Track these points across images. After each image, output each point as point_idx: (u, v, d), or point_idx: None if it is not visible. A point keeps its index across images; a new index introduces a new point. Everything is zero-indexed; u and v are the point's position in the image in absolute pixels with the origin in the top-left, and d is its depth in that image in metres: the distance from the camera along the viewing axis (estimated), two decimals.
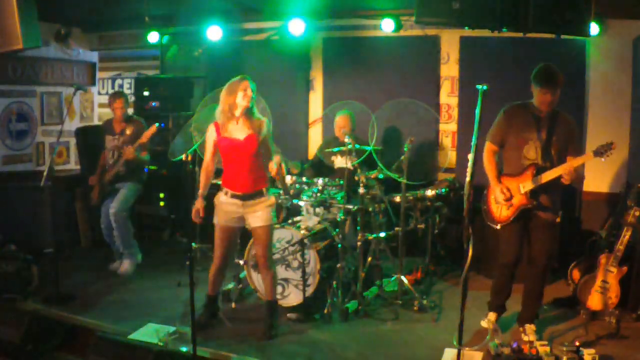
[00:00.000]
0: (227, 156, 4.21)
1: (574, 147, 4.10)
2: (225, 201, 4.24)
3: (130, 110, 7.06)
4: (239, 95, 4.09)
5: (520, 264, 4.26)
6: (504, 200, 4.09)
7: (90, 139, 6.73)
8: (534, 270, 4.20)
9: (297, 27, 6.43)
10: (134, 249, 5.64)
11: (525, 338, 4.11)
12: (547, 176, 3.97)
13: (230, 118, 4.15)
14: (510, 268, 4.25)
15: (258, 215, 4.19)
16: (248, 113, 4.14)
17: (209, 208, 4.34)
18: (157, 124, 5.37)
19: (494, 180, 4.17)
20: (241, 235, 4.49)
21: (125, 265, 5.58)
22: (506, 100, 4.28)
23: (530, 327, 4.21)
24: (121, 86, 7.93)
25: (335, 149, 5.21)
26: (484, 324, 4.32)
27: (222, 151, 4.22)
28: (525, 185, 4.05)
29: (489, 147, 4.27)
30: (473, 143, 3.38)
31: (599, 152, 3.85)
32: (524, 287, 4.28)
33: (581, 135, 5.43)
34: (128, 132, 5.48)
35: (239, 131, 4.16)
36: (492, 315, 4.34)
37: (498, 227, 4.16)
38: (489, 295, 4.46)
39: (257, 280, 4.78)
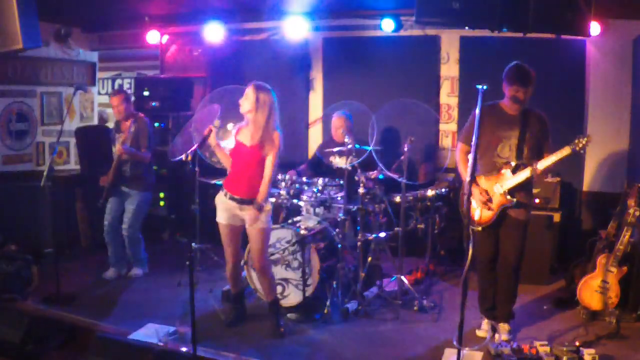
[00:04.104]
0: (233, 159, 4.28)
1: (548, 145, 4.06)
2: (224, 201, 4.28)
3: None
4: (242, 101, 4.18)
5: (497, 263, 4.21)
6: (484, 202, 4.05)
7: (90, 139, 6.73)
8: (505, 270, 4.16)
9: (297, 27, 6.43)
10: (144, 260, 5.58)
11: (497, 337, 4.11)
12: (541, 164, 3.90)
13: (246, 123, 4.23)
14: (488, 266, 4.22)
15: (252, 218, 4.21)
16: (259, 122, 4.13)
17: (214, 211, 4.38)
18: (133, 120, 5.24)
19: (470, 182, 4.09)
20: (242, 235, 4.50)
21: (135, 271, 5.55)
22: None
23: (504, 327, 4.19)
24: (121, 86, 7.93)
25: (335, 149, 5.21)
26: (479, 333, 4.30)
27: (230, 153, 4.29)
28: (504, 184, 4.01)
29: (462, 149, 4.23)
30: (473, 143, 3.39)
31: (577, 146, 3.80)
32: (497, 287, 4.24)
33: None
34: (132, 129, 5.33)
35: (247, 138, 4.21)
36: (485, 324, 4.32)
37: (479, 229, 4.06)
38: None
39: (257, 280, 4.77)
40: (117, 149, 5.24)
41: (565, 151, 3.84)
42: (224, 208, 4.28)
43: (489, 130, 4.05)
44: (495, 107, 4.12)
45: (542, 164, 3.89)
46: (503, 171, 4.04)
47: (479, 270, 4.30)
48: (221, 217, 4.30)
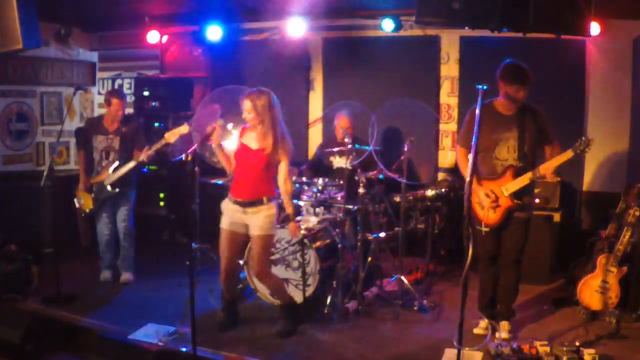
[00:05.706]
0: (237, 161, 4.26)
1: (549, 137, 4.06)
2: (229, 207, 4.26)
3: (130, 110, 7.05)
4: (245, 116, 4.16)
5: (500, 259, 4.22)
6: (490, 203, 4.05)
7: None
8: (507, 264, 4.18)
9: (297, 27, 6.43)
10: (133, 264, 5.56)
11: (497, 335, 4.12)
12: (544, 168, 3.92)
13: (250, 127, 4.20)
14: (489, 262, 4.23)
15: (255, 224, 4.18)
16: (267, 127, 4.11)
17: (214, 211, 4.36)
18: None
19: (475, 184, 4.07)
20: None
21: (127, 276, 5.49)
22: None
23: (504, 325, 4.20)
24: (121, 86, 7.93)
25: (335, 149, 5.22)
26: (476, 331, 4.30)
27: (234, 156, 4.26)
28: (508, 187, 4.02)
29: (462, 152, 4.23)
30: (473, 143, 3.38)
31: (579, 149, 3.82)
32: (498, 283, 4.25)
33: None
34: (124, 130, 5.30)
35: (254, 141, 4.19)
36: (483, 323, 4.32)
37: (486, 230, 4.08)
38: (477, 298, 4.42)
39: (257, 280, 4.77)
40: (146, 154, 5.11)
41: (567, 155, 3.87)
42: (228, 214, 4.26)
43: (485, 132, 4.02)
44: (489, 107, 4.08)
45: (544, 168, 3.92)
46: (506, 174, 4.04)
47: (480, 265, 4.31)
48: (224, 222, 4.27)
